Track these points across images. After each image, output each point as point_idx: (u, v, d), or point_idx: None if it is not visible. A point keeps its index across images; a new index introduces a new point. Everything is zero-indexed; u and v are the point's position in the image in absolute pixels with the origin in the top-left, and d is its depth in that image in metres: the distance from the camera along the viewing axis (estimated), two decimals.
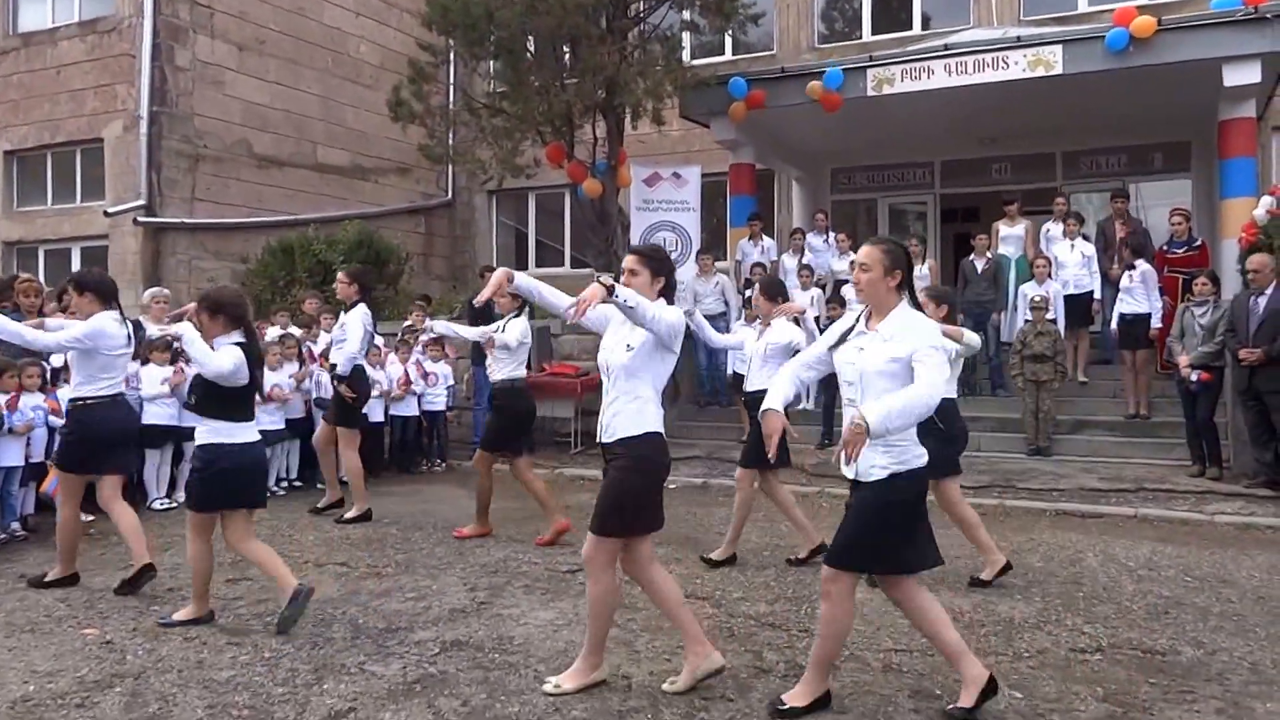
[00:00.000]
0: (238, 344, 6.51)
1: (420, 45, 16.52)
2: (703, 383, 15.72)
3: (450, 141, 17.89)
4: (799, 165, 19.71)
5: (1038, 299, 13.23)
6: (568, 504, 10.41)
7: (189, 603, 6.68)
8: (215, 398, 6.50)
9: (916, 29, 19.42)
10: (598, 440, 5.46)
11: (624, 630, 6.39)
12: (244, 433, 6.59)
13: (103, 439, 7.44)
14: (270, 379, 11.58)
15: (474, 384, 14.10)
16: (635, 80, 15.08)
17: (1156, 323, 12.88)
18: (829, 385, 13.19)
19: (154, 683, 5.51)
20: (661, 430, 5.41)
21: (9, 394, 9.18)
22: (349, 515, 10.01)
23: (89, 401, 7.43)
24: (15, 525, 9.33)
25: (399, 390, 13.00)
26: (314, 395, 12.05)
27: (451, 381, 14.03)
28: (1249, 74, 13.03)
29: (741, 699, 5.26)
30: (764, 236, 16.80)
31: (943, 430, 7.58)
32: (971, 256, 14.98)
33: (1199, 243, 13.67)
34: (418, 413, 13.48)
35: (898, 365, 4.86)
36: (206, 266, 18.07)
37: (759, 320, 8.50)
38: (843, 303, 13.30)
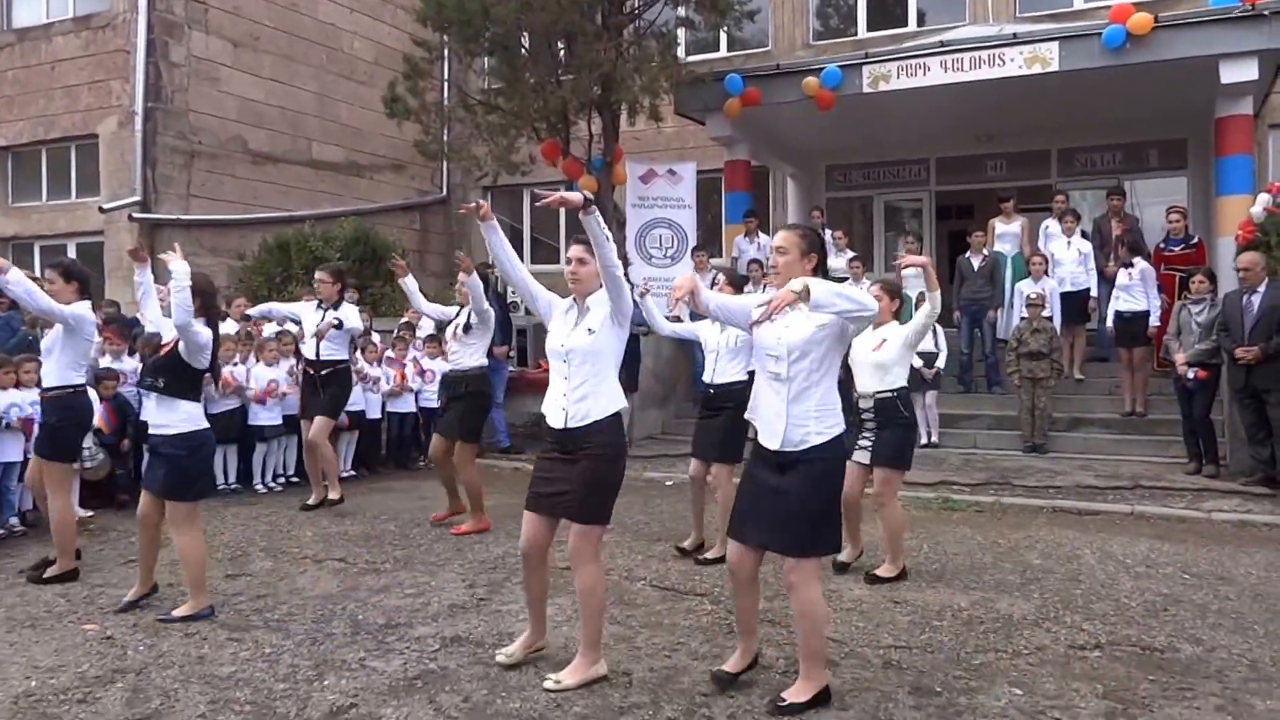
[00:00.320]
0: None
1: (415, 41, 16.48)
2: (697, 380, 15.69)
3: (445, 138, 17.86)
4: (794, 162, 19.70)
5: (1034, 296, 13.23)
6: None
7: (187, 598, 6.69)
8: (188, 380, 6.70)
9: (912, 25, 19.36)
10: (557, 427, 5.47)
11: (624, 627, 6.40)
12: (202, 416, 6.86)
13: (84, 426, 7.89)
14: (267, 374, 11.63)
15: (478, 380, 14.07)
16: (631, 77, 15.06)
17: (1155, 320, 12.88)
18: None
19: (155, 678, 5.51)
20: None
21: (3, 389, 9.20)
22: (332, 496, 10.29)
23: (75, 389, 7.69)
24: (14, 520, 9.34)
25: (396, 387, 13.00)
26: None
27: None
28: (1246, 71, 13.02)
29: (742, 695, 5.26)
30: (760, 233, 16.79)
31: (907, 418, 7.68)
32: (968, 253, 14.98)
33: (1196, 240, 13.67)
34: (415, 409, 13.48)
35: (825, 331, 5.00)
36: (202, 263, 17.92)
37: None
38: None
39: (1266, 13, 12.70)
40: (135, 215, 17.34)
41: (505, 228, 20.42)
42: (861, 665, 5.73)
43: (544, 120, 15.81)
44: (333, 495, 10.30)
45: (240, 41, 19.01)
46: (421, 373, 13.40)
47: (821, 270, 5.22)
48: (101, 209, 17.53)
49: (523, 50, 15.84)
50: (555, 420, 5.46)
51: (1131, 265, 13.07)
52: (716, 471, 8.27)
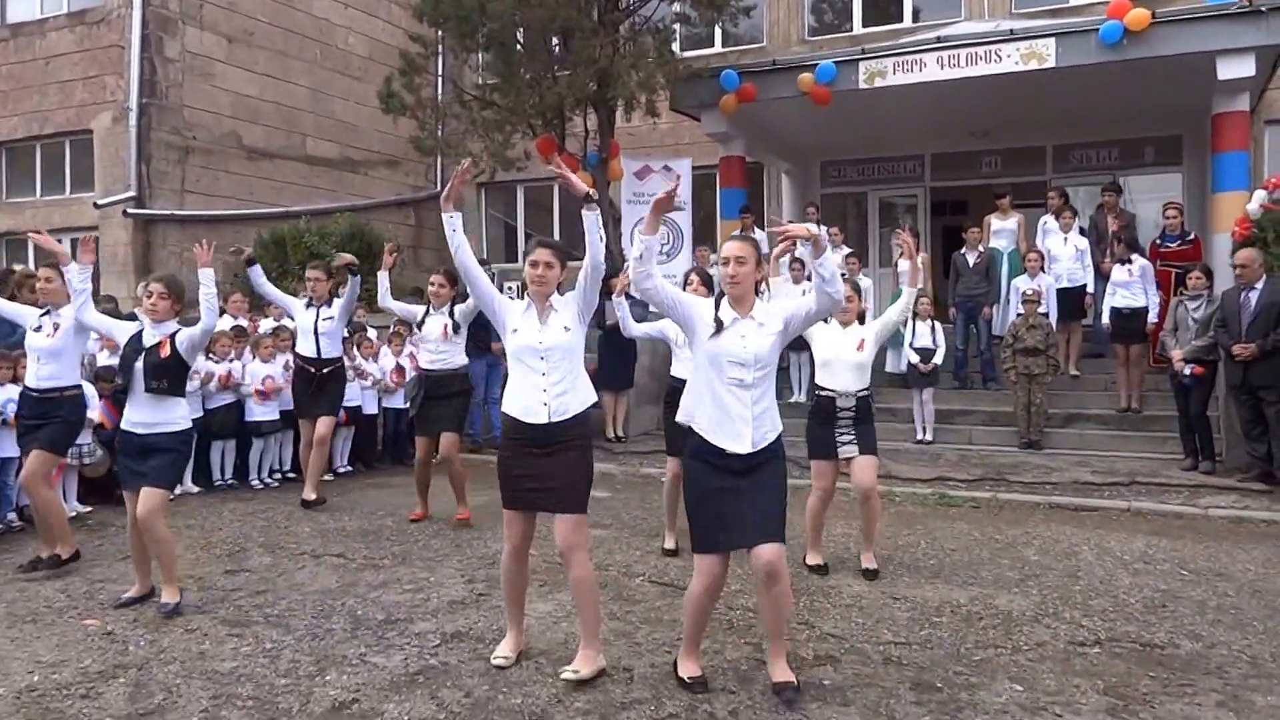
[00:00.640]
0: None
1: (411, 37, 16.47)
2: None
3: (440, 134, 17.83)
4: (789, 158, 19.71)
5: (1030, 292, 13.24)
6: None
7: (167, 585, 6.78)
8: (184, 378, 6.88)
9: (907, 21, 19.41)
10: (538, 423, 5.51)
11: (624, 622, 6.41)
12: None
13: (83, 423, 8.01)
14: (264, 370, 11.62)
15: (465, 377, 14.06)
16: (628, 73, 15.05)
17: (1154, 317, 12.86)
18: None
19: (157, 673, 5.51)
20: None
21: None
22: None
23: (81, 388, 7.93)
24: (12, 516, 9.32)
25: (392, 382, 12.98)
26: None
27: None
28: (1243, 67, 13.02)
29: (743, 690, 5.27)
30: (755, 229, 16.77)
31: (874, 410, 7.81)
32: (963, 250, 14.98)
33: (1192, 236, 13.65)
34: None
35: (778, 339, 5.30)
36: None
37: None
38: None
39: (1264, 8, 12.70)
40: (130, 211, 17.35)
41: (499, 224, 20.43)
42: (862, 661, 5.73)
43: (539, 116, 15.80)
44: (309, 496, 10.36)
45: (235, 37, 19.02)
46: (417, 368, 13.37)
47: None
48: (96, 205, 17.53)
49: (518, 46, 15.83)
50: (535, 417, 5.50)
51: (1130, 261, 13.05)
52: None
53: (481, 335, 12.01)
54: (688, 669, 5.36)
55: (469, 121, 16.41)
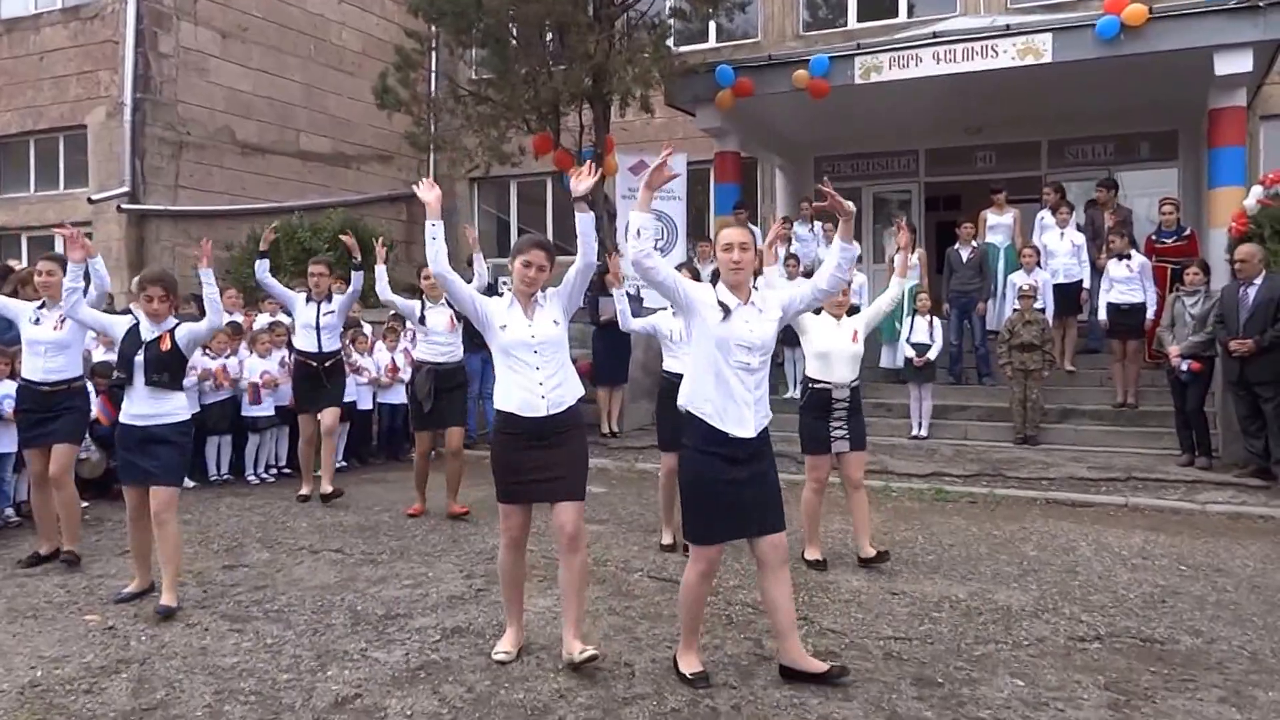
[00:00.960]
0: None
1: (407, 33, 16.43)
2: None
3: (434, 129, 17.80)
4: (783, 154, 19.69)
5: (1026, 288, 13.23)
6: None
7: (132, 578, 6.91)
8: (182, 371, 6.91)
9: (902, 17, 19.36)
10: (537, 417, 5.55)
11: (623, 618, 6.41)
12: None
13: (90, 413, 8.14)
14: (260, 365, 11.61)
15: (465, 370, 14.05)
16: (624, 68, 15.02)
17: (1153, 314, 12.83)
18: None
19: (159, 669, 5.51)
20: None
21: None
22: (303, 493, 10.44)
23: (85, 380, 8.00)
24: (9, 511, 9.32)
25: (387, 378, 12.96)
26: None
27: None
28: (1240, 63, 13.02)
29: (744, 685, 5.27)
30: (750, 225, 16.76)
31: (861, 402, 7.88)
32: (956, 245, 14.97)
33: (1188, 232, 13.64)
34: (406, 400, 13.40)
35: (777, 322, 5.39)
36: (191, 254, 17.86)
37: None
38: None
39: (1261, 4, 12.69)
40: (124, 206, 17.30)
41: (492, 219, 20.36)
42: (862, 656, 5.73)
43: (535, 111, 15.77)
44: (307, 491, 10.45)
45: (229, 32, 18.97)
46: (412, 363, 13.33)
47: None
48: (90, 200, 17.48)
49: (513, 41, 15.80)
50: (534, 411, 5.54)
51: (1129, 257, 13.03)
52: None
53: (476, 330, 11.99)
54: (689, 664, 5.36)
55: (464, 117, 16.38)
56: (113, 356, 10.31)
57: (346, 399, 11.86)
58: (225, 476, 11.49)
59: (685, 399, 5.32)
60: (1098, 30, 13.43)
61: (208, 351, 11.23)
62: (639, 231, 5.13)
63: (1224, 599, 6.96)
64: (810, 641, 5.92)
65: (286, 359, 11.73)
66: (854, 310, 7.80)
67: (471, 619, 6.38)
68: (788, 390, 14.62)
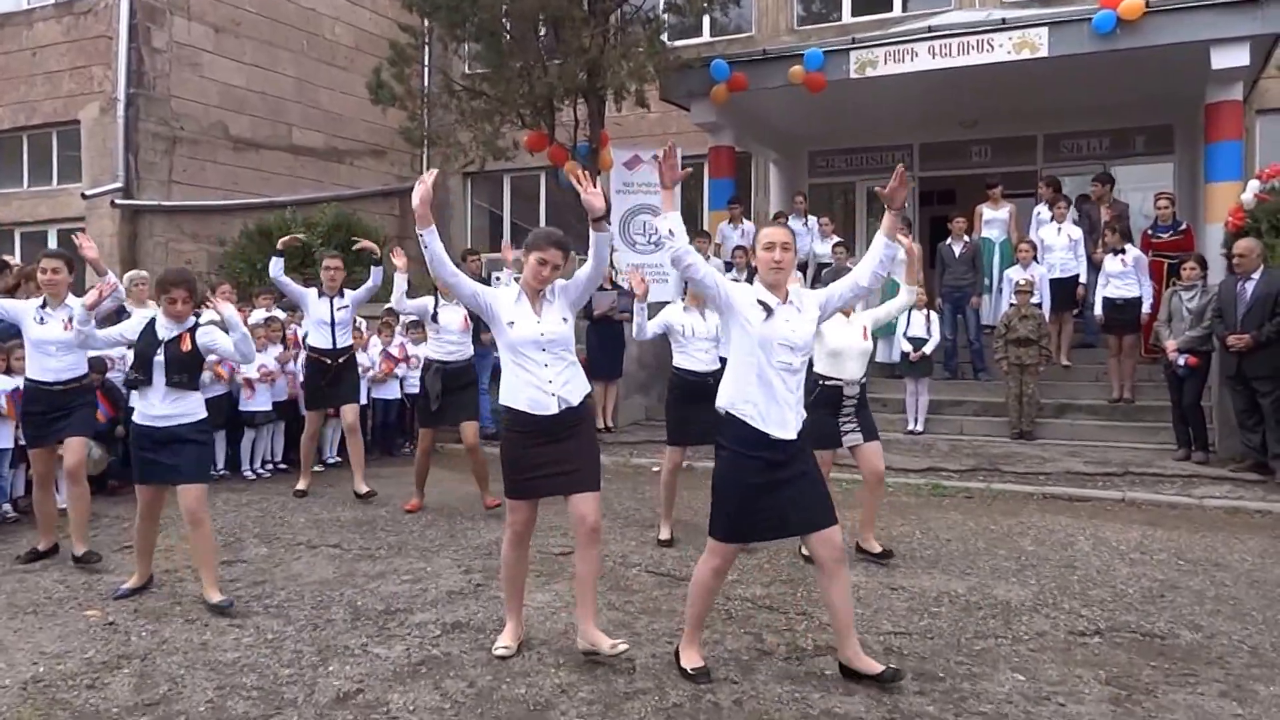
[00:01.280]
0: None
1: (401, 27, 16.40)
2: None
3: (428, 124, 17.76)
4: (777, 148, 19.66)
5: (1022, 283, 13.23)
6: None
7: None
8: (199, 372, 6.91)
9: (897, 11, 19.31)
10: (549, 414, 5.52)
11: (622, 613, 6.41)
12: None
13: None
14: (257, 360, 11.55)
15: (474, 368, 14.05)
16: (619, 63, 14.99)
17: (1148, 308, 12.85)
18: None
19: (160, 664, 5.50)
20: None
21: None
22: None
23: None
24: (6, 507, 9.28)
25: (381, 373, 12.94)
26: (300, 379, 12.00)
27: None
28: (1237, 57, 12.99)
29: (746, 680, 5.27)
30: (744, 220, 16.77)
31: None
32: (949, 240, 14.97)
33: (1184, 227, 13.67)
34: (400, 395, 13.41)
35: (816, 323, 5.37)
36: (184, 249, 17.92)
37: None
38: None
39: None
40: (117, 201, 17.25)
41: (485, 214, 20.30)
42: (858, 644, 5.70)
43: (529, 106, 15.74)
44: (304, 485, 10.49)
45: (222, 27, 18.92)
46: (406, 358, 13.34)
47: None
48: (84, 195, 17.43)
49: (507, 36, 15.76)
50: (545, 409, 5.52)
51: (1123, 252, 13.04)
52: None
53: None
54: (690, 659, 5.34)
55: (458, 112, 16.34)
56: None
57: None
58: (222, 472, 11.43)
59: (726, 400, 5.24)
60: (1094, 24, 13.40)
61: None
62: (671, 231, 5.11)
63: (1223, 593, 6.96)
64: (810, 636, 5.95)
65: (290, 354, 11.72)
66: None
67: (471, 614, 6.37)
68: None
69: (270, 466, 11.95)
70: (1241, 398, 10.80)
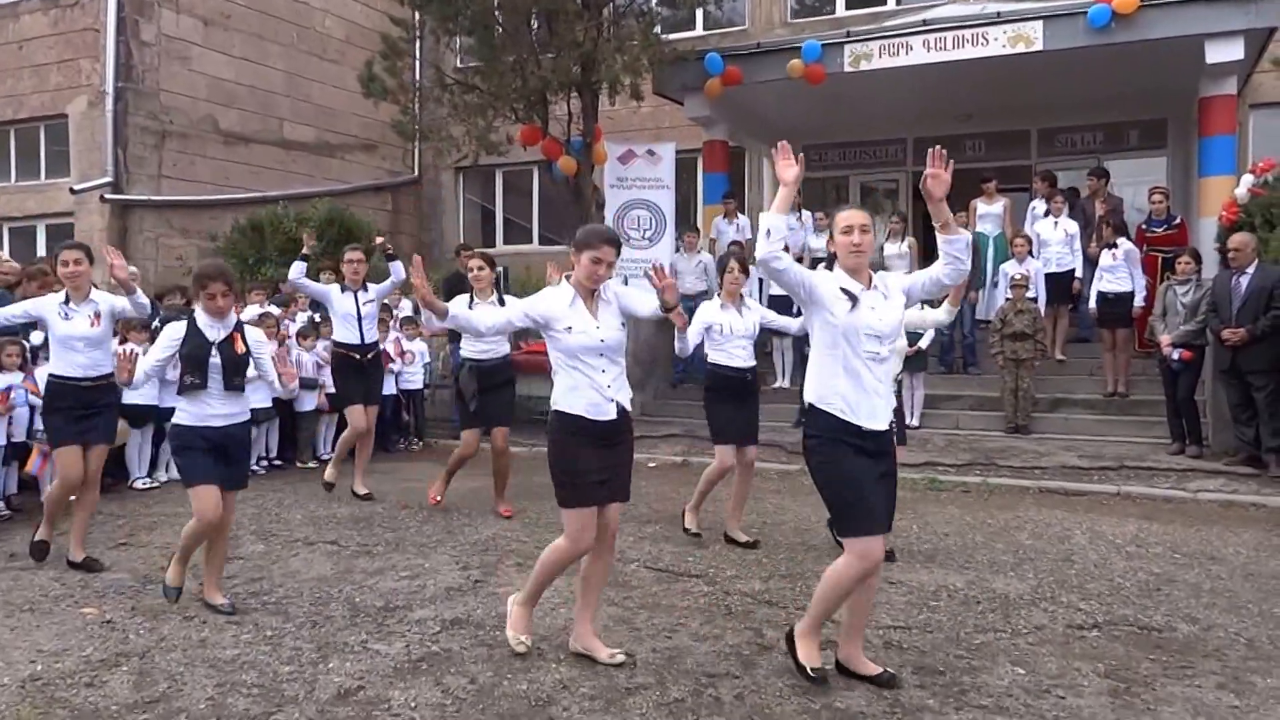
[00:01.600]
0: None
1: (393, 20, 16.34)
2: (676, 362, 15.62)
3: (420, 118, 17.69)
4: (770, 142, 19.48)
5: (1018, 277, 13.23)
6: (549, 481, 10.46)
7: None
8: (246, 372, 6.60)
9: (891, 4, 19.29)
10: (607, 420, 5.37)
11: (621, 608, 6.41)
12: None
13: None
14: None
15: (451, 362, 14.02)
16: (613, 56, 14.95)
17: (1140, 301, 12.88)
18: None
19: (159, 662, 5.48)
20: None
21: None
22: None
23: None
24: (0, 504, 9.23)
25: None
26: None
27: (428, 359, 13.95)
28: (1232, 50, 13.00)
29: (747, 675, 5.27)
30: (739, 214, 16.76)
31: None
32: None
33: (1178, 221, 13.68)
34: (395, 391, 13.39)
35: (902, 310, 5.22)
36: (174, 244, 17.85)
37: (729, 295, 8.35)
38: None
39: None
40: (106, 196, 17.17)
41: (476, 208, 20.24)
42: (863, 645, 5.71)
43: (522, 100, 15.69)
44: (331, 478, 10.22)
45: (211, 20, 18.83)
46: (402, 354, 13.32)
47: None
48: (72, 190, 17.34)
49: (499, 29, 15.71)
50: (605, 415, 5.36)
51: (1115, 246, 13.06)
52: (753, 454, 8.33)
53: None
54: (809, 655, 5.22)
55: (450, 105, 16.29)
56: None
57: (331, 391, 11.81)
58: None
59: (813, 396, 5.10)
60: (1089, 18, 13.39)
61: None
62: (769, 232, 4.93)
63: (1219, 586, 6.99)
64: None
65: (275, 351, 11.65)
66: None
67: (470, 610, 6.37)
68: (775, 380, 14.62)
69: (266, 463, 11.93)
70: (1235, 392, 10.83)
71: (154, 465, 10.84)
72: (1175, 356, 11.20)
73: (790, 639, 5.31)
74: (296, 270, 9.85)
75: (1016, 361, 12.85)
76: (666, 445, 13.02)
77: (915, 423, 13.50)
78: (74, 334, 7.31)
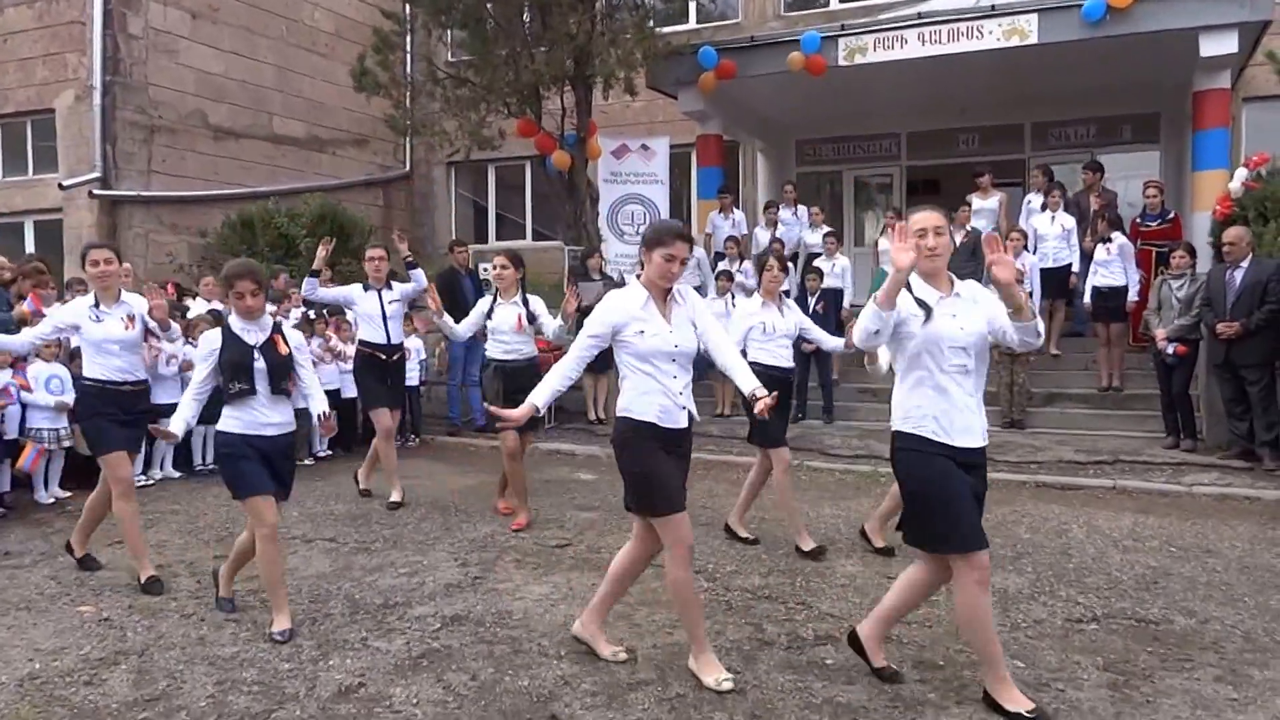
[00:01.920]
0: None
1: (385, 14, 16.28)
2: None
3: (412, 112, 17.66)
4: (764, 137, 19.63)
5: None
6: (547, 478, 10.67)
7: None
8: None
9: None
10: (679, 428, 5.18)
11: (622, 604, 6.32)
12: None
13: None
14: None
15: (447, 358, 14.00)
16: (607, 50, 14.92)
17: (1134, 296, 12.87)
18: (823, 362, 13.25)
19: (158, 660, 5.47)
20: None
21: None
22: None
23: None
24: None
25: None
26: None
27: (424, 356, 13.91)
28: (1226, 44, 13.06)
29: (748, 670, 5.27)
30: (734, 209, 16.73)
31: None
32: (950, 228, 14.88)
33: (1172, 215, 13.67)
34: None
35: (989, 325, 4.81)
36: (164, 240, 17.77)
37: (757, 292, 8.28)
38: (820, 274, 13.24)
39: None
40: (95, 192, 17.08)
41: (469, 203, 20.23)
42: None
43: (515, 94, 15.66)
44: (397, 497, 9.77)
45: (199, 12, 18.69)
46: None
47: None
48: (61, 186, 17.24)
49: (492, 22, 15.68)
50: (677, 422, 5.14)
51: (1109, 240, 13.07)
52: (782, 456, 8.14)
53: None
54: (1013, 700, 4.77)
55: (443, 100, 16.25)
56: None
57: (329, 387, 11.71)
58: (211, 466, 11.33)
59: (900, 418, 4.84)
60: (1084, 11, 13.43)
61: (191, 341, 11.08)
62: (877, 331, 4.65)
63: (1215, 579, 7.00)
64: (810, 626, 5.95)
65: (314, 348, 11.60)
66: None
67: (470, 606, 6.35)
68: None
69: None
70: (1229, 386, 10.83)
71: (148, 464, 10.80)
72: (1170, 351, 11.20)
73: (986, 696, 4.85)
74: (309, 286, 9.65)
75: (1011, 356, 12.83)
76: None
77: None
78: (110, 337, 7.01)
